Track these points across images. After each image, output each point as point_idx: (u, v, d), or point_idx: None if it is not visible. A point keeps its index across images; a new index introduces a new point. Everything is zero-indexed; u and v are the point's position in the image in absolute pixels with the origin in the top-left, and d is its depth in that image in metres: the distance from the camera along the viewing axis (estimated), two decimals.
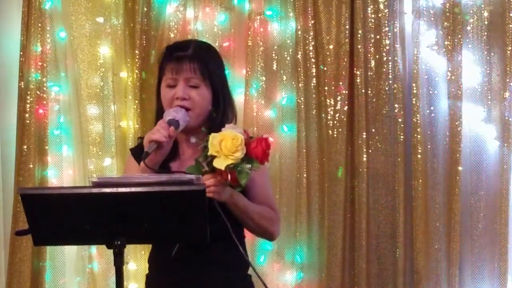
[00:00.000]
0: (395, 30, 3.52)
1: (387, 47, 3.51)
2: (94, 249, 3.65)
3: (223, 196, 2.28)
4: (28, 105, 3.62)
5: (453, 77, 3.47)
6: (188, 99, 2.39)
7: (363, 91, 3.53)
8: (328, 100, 3.56)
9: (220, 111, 2.45)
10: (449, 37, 3.46)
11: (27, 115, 3.62)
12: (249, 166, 2.22)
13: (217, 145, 2.20)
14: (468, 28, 3.47)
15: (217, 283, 2.42)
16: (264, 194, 2.48)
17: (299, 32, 3.57)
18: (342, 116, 3.54)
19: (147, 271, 2.56)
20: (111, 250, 2.01)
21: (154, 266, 2.52)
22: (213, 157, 2.21)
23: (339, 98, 3.55)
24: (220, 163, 2.20)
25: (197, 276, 2.40)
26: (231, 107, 2.52)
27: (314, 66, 3.57)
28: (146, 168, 2.26)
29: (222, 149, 2.19)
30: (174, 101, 2.40)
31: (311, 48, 3.57)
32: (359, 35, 3.52)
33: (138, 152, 2.48)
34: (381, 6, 3.52)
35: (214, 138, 2.21)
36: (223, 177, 2.23)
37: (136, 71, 3.67)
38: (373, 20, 3.53)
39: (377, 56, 3.53)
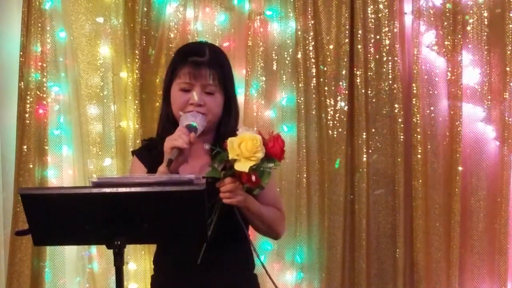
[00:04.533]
0: (395, 30, 3.52)
1: (387, 47, 3.52)
2: (94, 249, 3.65)
3: (239, 201, 2.28)
4: (28, 105, 3.62)
5: (453, 77, 3.47)
6: (204, 105, 2.38)
7: (363, 91, 3.53)
8: (328, 100, 3.57)
9: (233, 117, 2.46)
10: (449, 37, 3.47)
11: (27, 115, 3.62)
12: (271, 165, 2.23)
13: (237, 149, 2.20)
14: (468, 28, 3.47)
15: (224, 283, 2.42)
16: (272, 195, 2.49)
17: (299, 32, 3.57)
18: (342, 116, 3.55)
19: (151, 272, 2.56)
20: (111, 250, 2.01)
21: (160, 267, 2.52)
22: (232, 161, 2.21)
23: (339, 98, 3.55)
24: (242, 166, 2.20)
25: (204, 276, 2.39)
26: (238, 111, 2.52)
27: (314, 66, 3.57)
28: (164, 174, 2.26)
29: (243, 152, 2.19)
30: (187, 106, 2.38)
31: (311, 48, 3.57)
32: (359, 35, 3.52)
33: (144, 154, 2.48)
34: (381, 6, 3.52)
35: (233, 142, 2.21)
36: (242, 180, 2.24)
37: (136, 71, 3.67)
38: (373, 20, 3.53)
39: (377, 56, 3.53)
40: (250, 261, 2.51)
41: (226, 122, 2.44)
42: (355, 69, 3.54)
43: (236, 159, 2.21)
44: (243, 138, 2.21)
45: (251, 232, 2.51)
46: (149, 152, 2.45)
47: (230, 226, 2.32)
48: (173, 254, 2.43)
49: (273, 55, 3.62)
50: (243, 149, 2.19)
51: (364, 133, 3.53)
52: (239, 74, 3.63)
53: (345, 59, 3.54)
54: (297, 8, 3.57)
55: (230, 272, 2.43)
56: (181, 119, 2.36)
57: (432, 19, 3.49)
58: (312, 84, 3.57)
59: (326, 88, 3.57)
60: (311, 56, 3.57)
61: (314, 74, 3.57)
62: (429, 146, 3.49)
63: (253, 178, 2.21)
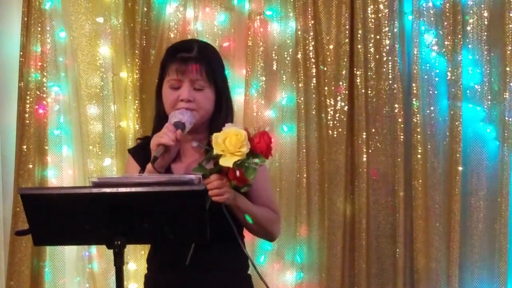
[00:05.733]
0: (395, 30, 3.52)
1: (387, 47, 3.51)
2: (94, 249, 3.65)
3: (227, 198, 2.27)
4: (28, 105, 3.62)
5: (453, 77, 3.47)
6: (193, 101, 2.38)
7: (363, 91, 3.53)
8: (328, 100, 3.57)
9: (223, 113, 2.44)
10: (449, 37, 3.46)
11: (27, 115, 3.62)
12: (256, 161, 2.21)
13: (221, 144, 2.18)
14: (468, 28, 3.47)
15: (218, 283, 2.41)
16: (265, 195, 2.47)
17: (299, 32, 3.57)
18: (342, 116, 3.55)
19: (145, 271, 2.55)
20: (111, 250, 2.01)
21: (153, 266, 2.51)
22: (218, 157, 2.20)
23: (339, 98, 3.55)
24: (227, 161, 2.18)
25: (197, 276, 2.39)
26: (232, 108, 2.52)
27: (314, 66, 3.57)
28: (152, 171, 2.26)
29: (227, 147, 2.18)
30: (178, 103, 2.38)
31: (311, 48, 3.57)
32: (359, 35, 3.52)
33: (138, 153, 2.48)
34: (381, 6, 3.51)
35: (217, 137, 2.20)
36: (229, 177, 2.23)
37: (136, 71, 3.67)
38: (373, 20, 3.53)
39: (377, 56, 3.53)
40: (244, 260, 2.49)
41: (217, 119, 2.42)
42: (355, 69, 3.54)
43: (221, 155, 2.19)
44: (227, 133, 2.20)
45: (248, 233, 2.50)
46: (144, 151, 2.44)
47: (222, 225, 2.31)
48: (168, 253, 2.42)
49: (273, 55, 3.62)
50: (228, 144, 2.18)
51: (364, 133, 3.53)
52: (239, 74, 3.64)
53: (345, 59, 3.54)
54: (297, 8, 3.57)
55: (227, 272, 2.42)
56: (169, 117, 2.36)
57: (432, 19, 3.49)
58: (312, 84, 3.57)
59: (326, 88, 3.57)
60: (311, 56, 3.57)
61: (314, 74, 3.57)
62: (429, 146, 3.49)
63: (238, 173, 2.19)
